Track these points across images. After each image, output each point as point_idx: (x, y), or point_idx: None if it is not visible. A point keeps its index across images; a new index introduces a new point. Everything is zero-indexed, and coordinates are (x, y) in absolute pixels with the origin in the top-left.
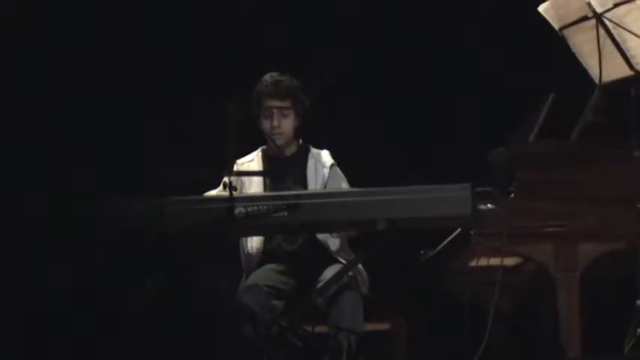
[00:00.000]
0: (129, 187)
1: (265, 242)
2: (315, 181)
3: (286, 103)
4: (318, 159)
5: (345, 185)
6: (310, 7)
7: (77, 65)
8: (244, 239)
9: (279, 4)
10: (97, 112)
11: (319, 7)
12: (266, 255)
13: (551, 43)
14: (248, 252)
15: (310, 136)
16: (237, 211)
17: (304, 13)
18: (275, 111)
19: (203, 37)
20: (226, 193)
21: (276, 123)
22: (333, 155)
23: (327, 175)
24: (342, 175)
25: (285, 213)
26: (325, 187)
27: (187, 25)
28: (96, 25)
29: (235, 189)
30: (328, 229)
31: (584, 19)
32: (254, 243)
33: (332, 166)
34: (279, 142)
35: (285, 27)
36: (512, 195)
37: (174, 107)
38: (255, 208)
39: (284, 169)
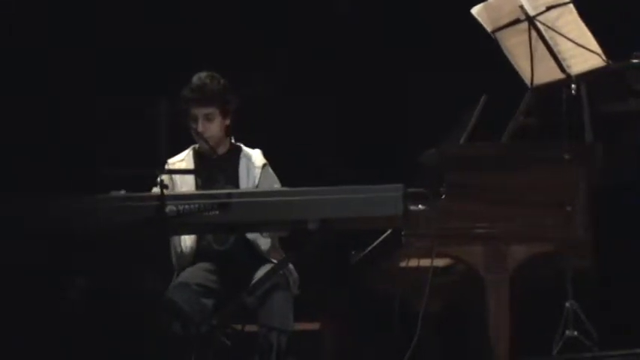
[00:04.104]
0: (60, 185)
1: (197, 241)
2: (246, 181)
3: (210, 109)
4: (250, 159)
5: (277, 185)
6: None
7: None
8: (177, 238)
9: (214, 2)
10: (30, 110)
11: (252, 6)
12: (198, 254)
13: (484, 45)
14: (181, 251)
15: (243, 134)
16: (168, 209)
17: (238, 10)
18: (200, 116)
19: (138, 35)
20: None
21: (201, 128)
22: (265, 154)
23: (258, 175)
24: (274, 175)
25: (217, 212)
26: (257, 187)
27: (120, 24)
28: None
29: (167, 187)
30: (260, 228)
31: (517, 22)
32: (187, 242)
33: (264, 166)
34: (210, 143)
35: (220, 25)
36: (443, 196)
37: (106, 106)
38: (187, 206)
39: (216, 169)
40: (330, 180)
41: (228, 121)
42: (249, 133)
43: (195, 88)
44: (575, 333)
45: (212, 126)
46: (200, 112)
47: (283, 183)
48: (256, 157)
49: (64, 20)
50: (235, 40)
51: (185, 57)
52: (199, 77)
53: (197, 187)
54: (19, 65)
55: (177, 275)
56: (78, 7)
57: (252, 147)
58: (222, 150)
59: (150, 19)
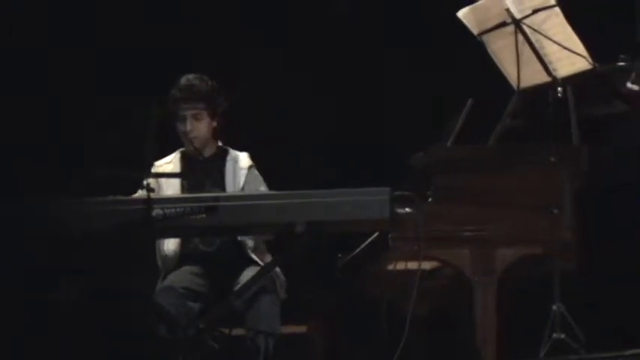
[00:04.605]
0: (49, 187)
1: (182, 244)
2: (232, 184)
3: (199, 108)
4: (236, 161)
5: (263, 188)
6: (236, 7)
7: None
8: (161, 241)
9: (204, 5)
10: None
11: (245, 8)
12: (183, 257)
13: (471, 48)
14: (165, 254)
15: (232, 138)
16: (154, 212)
17: (230, 13)
18: (188, 115)
19: (130, 37)
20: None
21: (189, 127)
22: (253, 157)
23: (244, 177)
24: (261, 178)
25: (204, 215)
26: (242, 189)
27: (113, 25)
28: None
29: (153, 190)
30: (247, 231)
31: (503, 24)
32: (170, 245)
33: (250, 168)
34: (197, 144)
35: (211, 28)
36: (431, 199)
37: (98, 107)
38: (173, 209)
39: (201, 171)
40: (318, 183)
41: (215, 123)
42: (240, 132)
43: (184, 88)
44: (563, 335)
45: (199, 126)
46: (188, 111)
47: (272, 185)
48: (242, 159)
49: (65, 20)
50: (235, 40)
51: (185, 57)
52: (187, 78)
53: (182, 189)
54: (8, 65)
55: (164, 278)
56: (78, 7)
57: (241, 149)
58: (208, 152)
59: (150, 19)
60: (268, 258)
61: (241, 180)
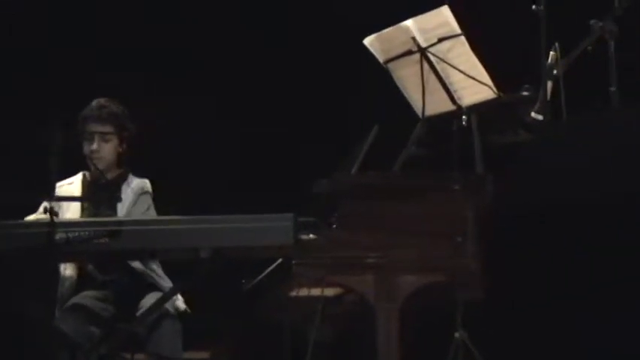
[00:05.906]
0: None
1: (81, 268)
2: (124, 208)
3: (107, 129)
4: (132, 186)
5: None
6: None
7: None
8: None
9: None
10: None
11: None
12: (82, 281)
13: (376, 76)
14: (62, 277)
15: (137, 163)
16: (58, 236)
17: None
18: (96, 135)
19: (40, 55)
20: (45, 217)
21: (95, 147)
22: (157, 182)
23: (134, 201)
24: (151, 205)
25: (107, 239)
26: (127, 213)
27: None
28: None
29: (57, 214)
30: (151, 256)
31: (409, 53)
32: (67, 271)
33: (143, 193)
34: (100, 166)
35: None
36: (335, 225)
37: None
38: (77, 233)
39: (100, 194)
40: (222, 208)
41: (122, 149)
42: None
43: (95, 108)
44: None
45: (106, 147)
46: (97, 130)
47: (177, 211)
48: (140, 184)
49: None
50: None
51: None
52: (99, 100)
53: (82, 212)
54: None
55: (62, 303)
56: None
57: (148, 171)
58: (110, 176)
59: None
60: (169, 283)
61: (130, 203)
